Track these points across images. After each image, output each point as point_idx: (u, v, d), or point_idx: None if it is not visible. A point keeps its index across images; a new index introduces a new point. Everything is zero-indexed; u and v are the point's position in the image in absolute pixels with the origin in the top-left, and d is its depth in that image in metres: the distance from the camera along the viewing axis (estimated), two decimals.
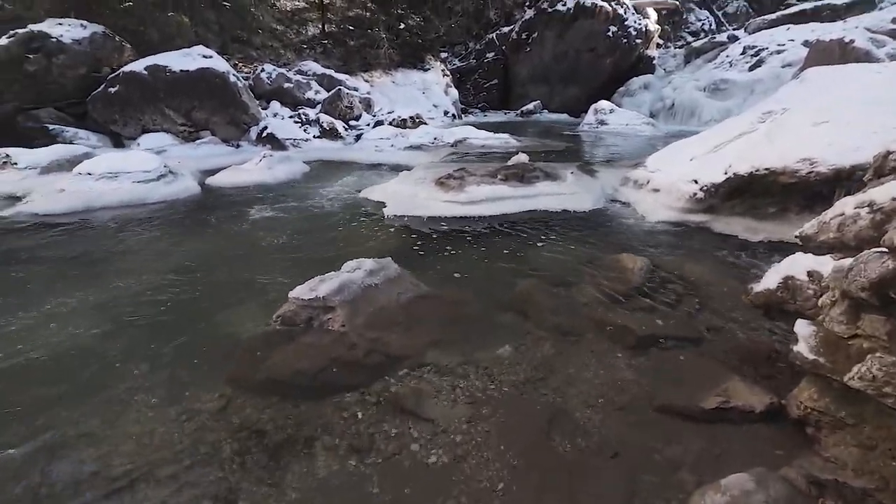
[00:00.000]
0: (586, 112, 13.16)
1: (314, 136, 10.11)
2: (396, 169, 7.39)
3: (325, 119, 10.46)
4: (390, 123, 10.96)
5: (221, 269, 3.77)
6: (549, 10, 16.03)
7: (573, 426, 2.03)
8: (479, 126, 11.01)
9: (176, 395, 2.21)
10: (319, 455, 1.86)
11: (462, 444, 1.90)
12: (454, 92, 15.54)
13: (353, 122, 11.13)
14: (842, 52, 9.30)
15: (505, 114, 17.56)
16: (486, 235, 4.50)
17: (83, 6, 9.62)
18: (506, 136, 9.84)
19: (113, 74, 8.89)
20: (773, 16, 15.71)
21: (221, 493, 1.70)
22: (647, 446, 1.92)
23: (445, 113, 14.32)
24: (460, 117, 15.20)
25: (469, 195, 5.22)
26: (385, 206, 5.19)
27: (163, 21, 10.58)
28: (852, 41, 9.52)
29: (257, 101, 10.35)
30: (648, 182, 5.29)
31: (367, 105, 11.77)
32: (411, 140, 9.67)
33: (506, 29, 17.92)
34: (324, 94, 11.46)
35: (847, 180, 3.71)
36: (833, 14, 14.12)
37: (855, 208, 2.04)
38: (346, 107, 11.16)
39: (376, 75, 14.25)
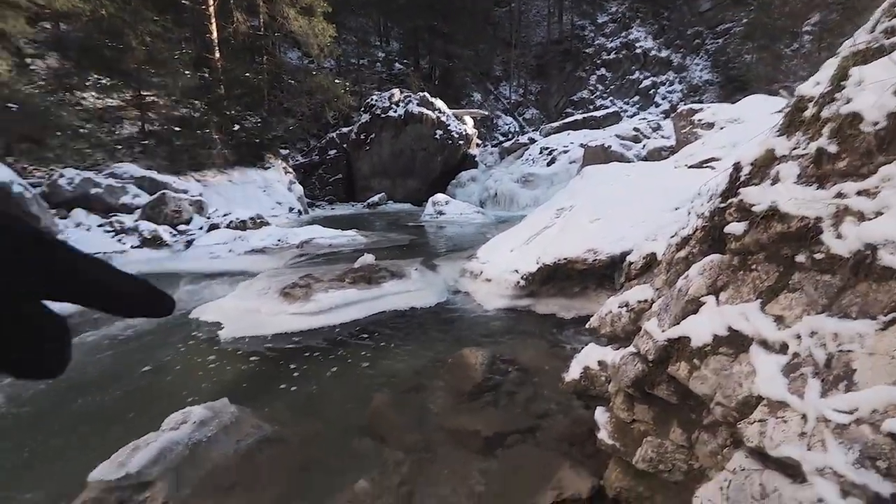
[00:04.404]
0: (427, 201, 14.46)
1: (132, 247, 8.88)
2: (236, 277, 6.90)
3: (146, 226, 9.35)
4: (227, 226, 10.31)
5: None
6: (383, 115, 17.84)
7: None
8: (328, 219, 11.11)
9: None
10: None
11: None
12: (298, 188, 15.54)
13: (182, 227, 10.15)
14: (605, 154, 12.27)
15: (352, 206, 18.13)
16: (337, 347, 4.41)
17: None
18: (353, 232, 10.10)
19: None
20: (557, 123, 20.12)
21: None
22: None
23: (291, 209, 14.11)
24: (307, 212, 15.14)
25: (317, 304, 5.12)
26: (221, 328, 4.73)
27: None
28: (610, 146, 12.67)
29: (53, 211, 8.80)
30: (481, 272, 5.94)
31: (199, 207, 10.95)
32: (252, 243, 9.20)
33: (345, 129, 19.12)
34: (145, 198, 10.33)
35: (620, 263, 4.75)
36: (596, 123, 18.75)
37: (618, 307, 2.63)
38: (173, 211, 10.20)
39: (210, 175, 13.46)
